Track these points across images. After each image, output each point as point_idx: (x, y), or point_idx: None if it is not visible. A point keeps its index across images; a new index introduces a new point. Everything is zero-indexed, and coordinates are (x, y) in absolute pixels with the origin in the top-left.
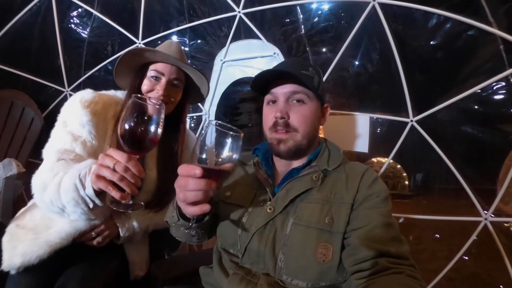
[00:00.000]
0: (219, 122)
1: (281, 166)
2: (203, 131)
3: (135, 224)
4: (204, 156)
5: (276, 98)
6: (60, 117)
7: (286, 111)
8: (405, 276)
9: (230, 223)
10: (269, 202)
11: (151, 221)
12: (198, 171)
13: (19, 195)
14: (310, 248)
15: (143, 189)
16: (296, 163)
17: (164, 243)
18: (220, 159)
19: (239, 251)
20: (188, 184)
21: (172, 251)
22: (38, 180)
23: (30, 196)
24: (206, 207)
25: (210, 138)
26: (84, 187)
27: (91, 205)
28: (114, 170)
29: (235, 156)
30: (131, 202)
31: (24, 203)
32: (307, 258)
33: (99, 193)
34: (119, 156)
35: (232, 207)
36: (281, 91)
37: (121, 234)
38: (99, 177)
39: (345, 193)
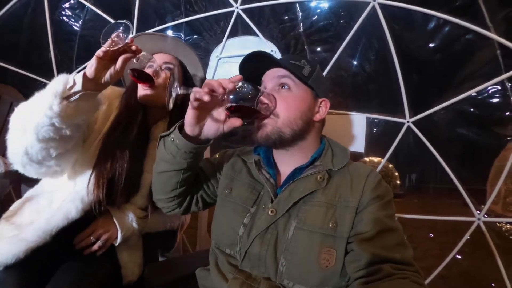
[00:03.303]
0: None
1: (284, 165)
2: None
3: (135, 225)
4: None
5: (265, 86)
6: None
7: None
8: (410, 282)
9: (229, 223)
10: (270, 204)
11: (146, 223)
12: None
13: (6, 194)
14: (313, 253)
15: (140, 193)
16: (299, 162)
17: (158, 244)
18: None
19: (238, 252)
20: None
21: (166, 251)
22: None
23: (18, 196)
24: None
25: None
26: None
27: (69, 84)
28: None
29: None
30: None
31: (12, 203)
32: (309, 264)
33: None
34: None
35: (232, 205)
36: (269, 77)
37: (120, 235)
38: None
39: (350, 196)
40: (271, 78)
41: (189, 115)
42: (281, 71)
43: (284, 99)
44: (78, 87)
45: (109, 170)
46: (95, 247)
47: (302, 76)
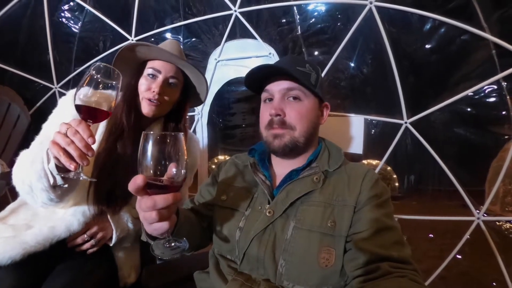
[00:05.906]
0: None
1: (279, 167)
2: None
3: (130, 225)
4: (151, 171)
5: (272, 96)
6: (54, 110)
7: (281, 108)
8: (408, 280)
9: (227, 229)
10: (268, 205)
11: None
12: (139, 180)
13: (2, 196)
14: (313, 253)
15: None
16: (296, 164)
17: None
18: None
19: (237, 257)
20: (156, 203)
21: None
22: (17, 160)
23: (14, 197)
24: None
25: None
26: (48, 161)
27: (51, 180)
28: (66, 135)
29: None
30: (80, 171)
31: (7, 204)
32: (309, 264)
33: (63, 171)
34: (72, 122)
35: (228, 211)
36: (276, 88)
37: (115, 235)
38: (54, 143)
39: (347, 195)
40: (280, 88)
41: (164, 227)
42: (290, 83)
43: (297, 111)
44: (60, 181)
45: (108, 183)
46: (88, 245)
47: (311, 85)
